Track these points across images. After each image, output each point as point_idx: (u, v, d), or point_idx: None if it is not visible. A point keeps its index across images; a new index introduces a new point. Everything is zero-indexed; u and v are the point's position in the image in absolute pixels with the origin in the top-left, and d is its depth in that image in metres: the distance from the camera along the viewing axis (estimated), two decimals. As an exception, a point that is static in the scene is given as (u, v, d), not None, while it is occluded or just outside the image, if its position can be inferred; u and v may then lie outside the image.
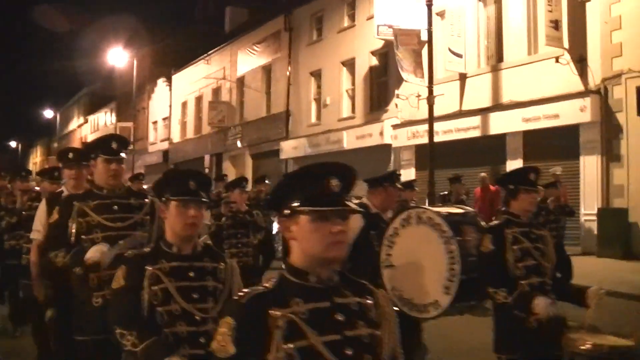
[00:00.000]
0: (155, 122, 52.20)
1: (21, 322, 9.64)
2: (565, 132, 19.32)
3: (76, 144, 73.74)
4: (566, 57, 19.37)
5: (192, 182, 3.83)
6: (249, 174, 35.51)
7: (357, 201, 12.12)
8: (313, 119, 32.18)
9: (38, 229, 6.16)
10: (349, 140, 28.29)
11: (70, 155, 6.47)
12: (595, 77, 18.71)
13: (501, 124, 21.32)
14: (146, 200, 5.41)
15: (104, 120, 65.60)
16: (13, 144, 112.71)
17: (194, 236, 3.93)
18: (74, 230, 5.12)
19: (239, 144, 37.43)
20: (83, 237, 5.10)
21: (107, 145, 5.29)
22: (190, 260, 3.86)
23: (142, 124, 53.62)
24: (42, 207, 6.21)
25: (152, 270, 3.74)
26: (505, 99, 21.50)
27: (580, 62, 19.08)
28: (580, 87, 19.03)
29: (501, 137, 21.52)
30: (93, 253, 4.87)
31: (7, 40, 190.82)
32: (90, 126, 71.23)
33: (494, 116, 21.71)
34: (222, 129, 39.21)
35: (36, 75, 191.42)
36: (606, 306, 11.76)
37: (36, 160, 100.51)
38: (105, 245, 4.93)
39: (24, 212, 8.76)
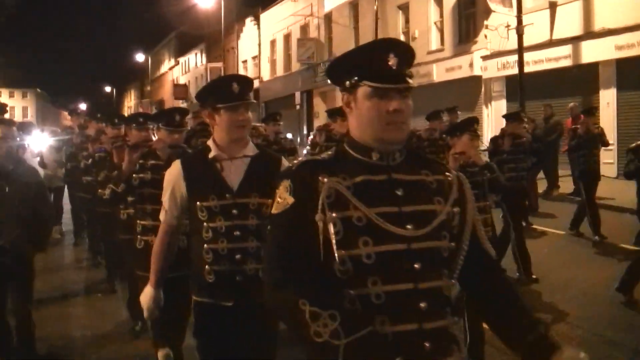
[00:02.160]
0: (245, 61, 52.87)
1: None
2: (660, 58, 18.83)
3: (168, 86, 75.42)
4: (661, -20, 18.77)
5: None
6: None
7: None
8: (401, 53, 31.97)
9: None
10: (439, 73, 28.27)
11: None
12: (692, 0, 18.13)
13: (593, 52, 20.91)
14: None
15: (194, 62, 66.65)
16: (108, 88, 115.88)
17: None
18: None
19: (328, 80, 37.62)
20: None
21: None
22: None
23: (231, 64, 54.30)
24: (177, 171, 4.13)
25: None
26: (598, 26, 21.00)
27: (676, -15, 18.50)
28: (676, 11, 18.49)
29: (593, 66, 21.13)
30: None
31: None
32: (181, 68, 72.48)
33: (585, 45, 21.30)
34: (311, 65, 39.50)
35: (126, 19, 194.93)
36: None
37: (130, 104, 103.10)
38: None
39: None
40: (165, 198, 4.10)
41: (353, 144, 2.51)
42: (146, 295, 4.29)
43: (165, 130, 5.81)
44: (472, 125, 6.58)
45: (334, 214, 2.33)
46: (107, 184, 6.36)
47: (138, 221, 5.87)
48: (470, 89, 26.64)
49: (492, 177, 6.81)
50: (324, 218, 2.33)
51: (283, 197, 2.44)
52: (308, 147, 10.57)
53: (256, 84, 48.67)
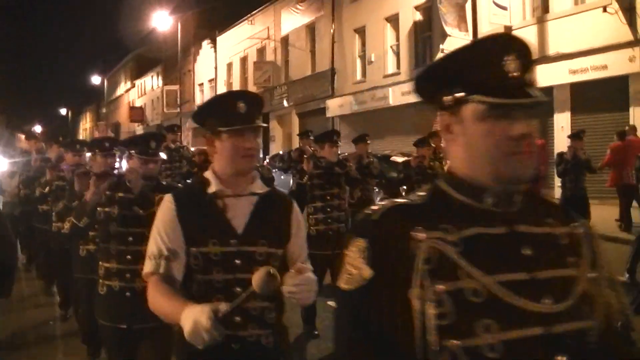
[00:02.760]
0: (201, 84, 52.57)
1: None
2: (614, 83, 18.99)
3: (124, 108, 74.79)
4: (614, 6, 18.92)
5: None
6: (295, 133, 35.78)
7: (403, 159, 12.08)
8: (358, 76, 32.12)
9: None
10: (395, 97, 28.23)
11: None
12: (644, 25, 18.30)
13: (548, 76, 20.92)
14: None
15: (151, 84, 66.16)
16: (63, 111, 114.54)
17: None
18: None
19: (285, 103, 37.57)
20: None
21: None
22: None
23: (188, 87, 54.02)
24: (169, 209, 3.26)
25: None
26: (552, 51, 21.14)
27: (629, 10, 18.63)
28: (629, 36, 18.60)
29: (548, 90, 21.18)
30: None
31: (52, 7, 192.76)
32: (137, 90, 71.90)
33: (540, 68, 20.48)
34: (267, 88, 39.27)
35: (83, 42, 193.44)
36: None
37: (86, 126, 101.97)
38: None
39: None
40: (155, 243, 3.14)
41: (457, 182, 1.81)
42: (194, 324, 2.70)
43: (138, 159, 5.10)
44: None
45: (438, 287, 1.63)
46: (67, 216, 5.78)
47: (101, 263, 5.08)
48: (426, 113, 26.59)
49: None
50: (424, 294, 1.64)
51: (356, 266, 1.73)
52: (296, 178, 9.88)
53: (213, 106, 48.41)
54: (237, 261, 3.10)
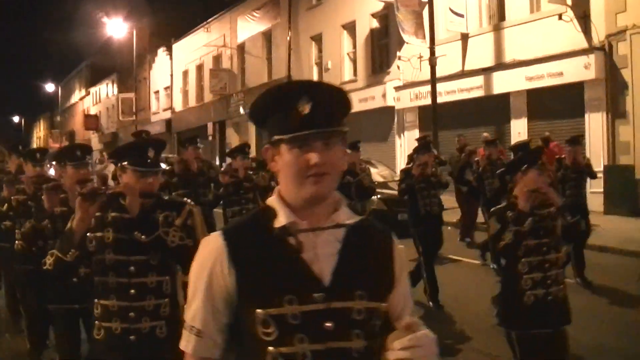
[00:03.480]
0: (157, 92, 52.06)
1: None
2: (569, 90, 19.13)
3: (79, 116, 73.86)
4: (569, 14, 19.03)
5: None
6: (252, 141, 35.40)
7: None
8: (315, 84, 31.91)
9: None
10: (352, 104, 28.07)
11: None
12: (599, 33, 18.42)
13: (504, 83, 21.15)
14: None
15: (106, 92, 65.46)
16: (16, 119, 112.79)
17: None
18: None
19: (241, 110, 37.26)
20: None
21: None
22: None
23: (143, 94, 53.48)
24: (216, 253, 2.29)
25: None
26: (508, 58, 21.28)
27: (584, 18, 18.77)
28: (584, 44, 18.75)
29: (505, 97, 21.35)
30: None
31: (5, 13, 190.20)
32: (92, 98, 71.09)
33: (497, 75, 21.51)
34: (224, 96, 39.04)
35: (36, 48, 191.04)
36: (613, 266, 11.79)
37: (40, 134, 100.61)
38: None
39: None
40: (195, 306, 2.22)
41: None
42: None
43: (133, 172, 4.14)
44: (538, 156, 5.56)
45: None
46: (35, 238, 5.27)
47: (97, 301, 4.15)
48: (383, 119, 26.64)
49: (572, 222, 5.49)
50: None
51: None
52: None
53: (168, 114, 48.02)
54: (328, 324, 2.13)
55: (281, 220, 2.17)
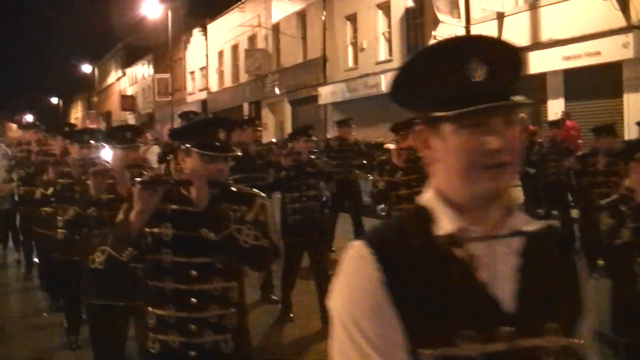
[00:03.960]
0: (192, 72, 52.33)
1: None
2: (607, 69, 18.89)
3: (115, 97, 74.44)
4: (607, -9, 18.83)
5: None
6: (287, 121, 35.69)
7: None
8: (350, 64, 31.94)
9: None
10: (387, 84, 27.88)
11: None
12: (638, 11, 18.17)
13: (541, 63, 20.87)
14: None
15: (142, 73, 65.81)
16: (54, 99, 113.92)
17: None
18: None
19: (277, 91, 37.37)
20: None
21: None
22: None
23: (179, 75, 53.71)
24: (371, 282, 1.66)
25: None
26: (545, 37, 21.05)
27: (622, -5, 18.56)
28: (622, 22, 18.49)
29: (541, 77, 21.11)
30: None
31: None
32: (128, 79, 71.54)
33: (533, 55, 21.22)
34: (259, 76, 39.14)
35: (73, 30, 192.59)
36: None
37: (77, 115, 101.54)
38: None
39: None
40: (362, 349, 1.55)
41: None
42: None
43: (200, 156, 3.51)
44: None
45: None
46: (81, 226, 4.93)
47: (151, 309, 3.50)
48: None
49: None
50: None
51: None
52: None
53: (204, 95, 48.26)
54: None
55: (445, 225, 1.61)
